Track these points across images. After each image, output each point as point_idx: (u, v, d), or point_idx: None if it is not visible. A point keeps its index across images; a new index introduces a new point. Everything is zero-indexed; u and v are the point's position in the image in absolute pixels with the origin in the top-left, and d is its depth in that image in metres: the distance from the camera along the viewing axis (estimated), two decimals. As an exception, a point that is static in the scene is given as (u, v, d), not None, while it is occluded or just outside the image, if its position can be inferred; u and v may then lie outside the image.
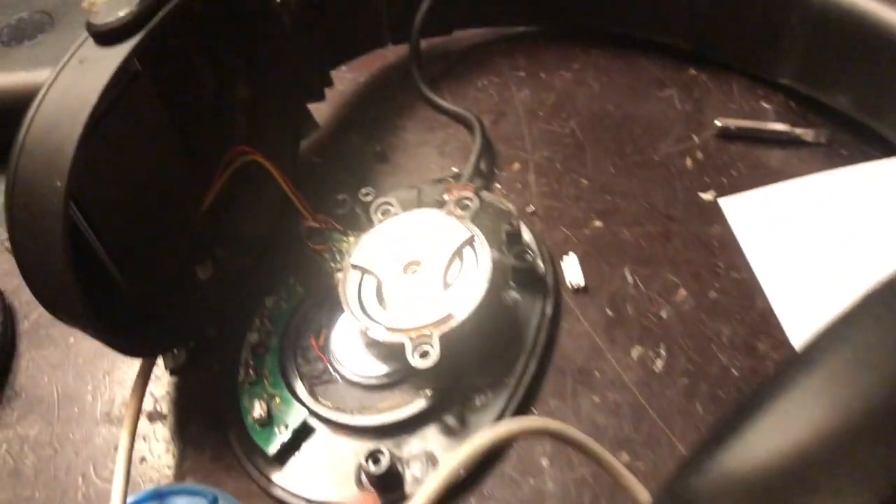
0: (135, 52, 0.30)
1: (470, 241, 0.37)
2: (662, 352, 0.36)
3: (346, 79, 0.50)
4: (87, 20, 0.30)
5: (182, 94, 0.39)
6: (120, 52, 0.30)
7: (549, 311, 0.38)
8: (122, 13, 0.30)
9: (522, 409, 0.35)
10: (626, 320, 0.37)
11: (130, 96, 0.34)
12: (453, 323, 0.34)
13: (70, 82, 0.30)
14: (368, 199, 0.40)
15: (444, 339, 0.33)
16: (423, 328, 0.34)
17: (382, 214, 0.39)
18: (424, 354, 0.33)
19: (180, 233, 0.39)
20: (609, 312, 0.38)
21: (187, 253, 0.39)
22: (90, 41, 0.30)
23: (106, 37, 0.30)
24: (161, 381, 0.39)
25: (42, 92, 0.30)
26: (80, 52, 0.30)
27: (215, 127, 0.41)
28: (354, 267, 0.37)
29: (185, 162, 0.38)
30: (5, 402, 0.39)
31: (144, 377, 0.35)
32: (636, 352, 0.36)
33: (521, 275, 0.38)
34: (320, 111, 0.47)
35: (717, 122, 0.43)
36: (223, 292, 0.40)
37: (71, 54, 0.30)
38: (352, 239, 0.39)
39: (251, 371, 0.37)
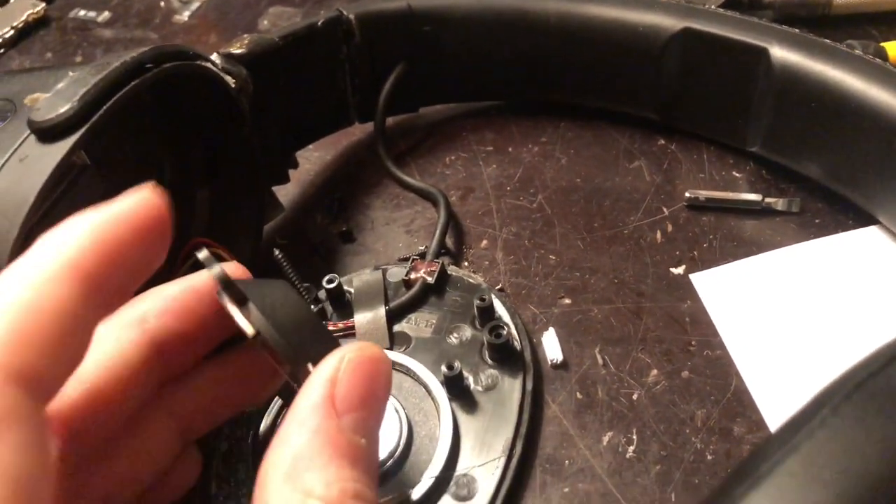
0: (76, 148, 0.29)
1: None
2: (634, 437, 0.35)
3: (313, 157, 0.49)
4: (29, 117, 0.30)
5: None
6: (60, 148, 0.29)
7: (529, 386, 0.36)
8: (62, 109, 0.30)
9: (513, 493, 0.33)
10: (597, 404, 0.36)
11: (77, 190, 0.33)
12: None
13: (10, 181, 0.29)
14: (332, 286, 0.39)
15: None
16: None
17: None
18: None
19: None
20: (579, 395, 0.36)
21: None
22: (32, 138, 0.30)
23: (46, 133, 0.29)
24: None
25: (-18, 192, 0.29)
26: (21, 149, 0.30)
27: (175, 217, 0.40)
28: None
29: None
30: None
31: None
32: (607, 437, 0.35)
33: (497, 351, 0.37)
34: (286, 191, 0.46)
35: (687, 194, 0.43)
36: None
37: (12, 152, 0.30)
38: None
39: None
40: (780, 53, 0.40)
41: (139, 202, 0.20)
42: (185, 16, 0.62)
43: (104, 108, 0.30)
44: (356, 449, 0.21)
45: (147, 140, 0.39)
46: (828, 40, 0.40)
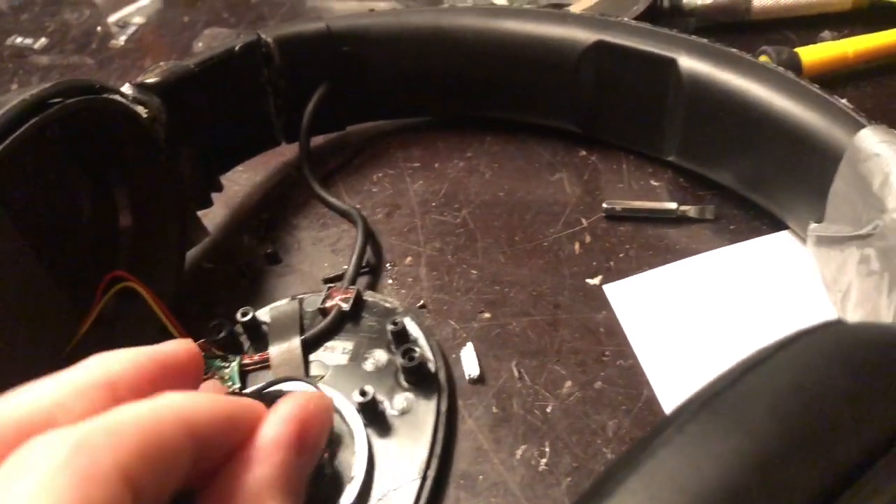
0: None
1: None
2: (547, 449, 0.35)
3: (242, 179, 0.50)
4: (-77, 159, 0.30)
5: (52, 220, 0.38)
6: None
7: (444, 407, 0.37)
8: (-46, 151, 0.30)
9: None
10: (512, 418, 0.37)
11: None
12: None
13: None
14: (246, 319, 0.39)
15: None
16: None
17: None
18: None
19: (51, 367, 0.38)
20: (495, 410, 0.37)
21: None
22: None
23: (-63, 176, 0.30)
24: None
25: None
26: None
27: (95, 249, 0.41)
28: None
29: (57, 291, 0.37)
30: None
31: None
32: (520, 451, 0.35)
33: (411, 374, 0.37)
34: (213, 214, 0.47)
35: (605, 204, 0.43)
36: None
37: None
38: (234, 365, 0.38)
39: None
40: (688, 63, 0.41)
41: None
42: (121, 40, 0.62)
43: (2, 146, 0.31)
44: (301, 487, 0.23)
45: (62, 175, 0.39)
46: (734, 49, 0.41)
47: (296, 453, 0.23)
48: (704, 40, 0.42)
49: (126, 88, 0.39)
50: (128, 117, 0.38)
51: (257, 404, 0.24)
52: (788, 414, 0.20)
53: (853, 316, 0.33)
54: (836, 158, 0.35)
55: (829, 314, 0.36)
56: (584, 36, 0.43)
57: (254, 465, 0.22)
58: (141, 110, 0.39)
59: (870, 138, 0.33)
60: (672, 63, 0.41)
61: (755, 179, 0.41)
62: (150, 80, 0.40)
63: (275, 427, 0.23)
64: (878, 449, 0.19)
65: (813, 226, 0.37)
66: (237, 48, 0.44)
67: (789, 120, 0.37)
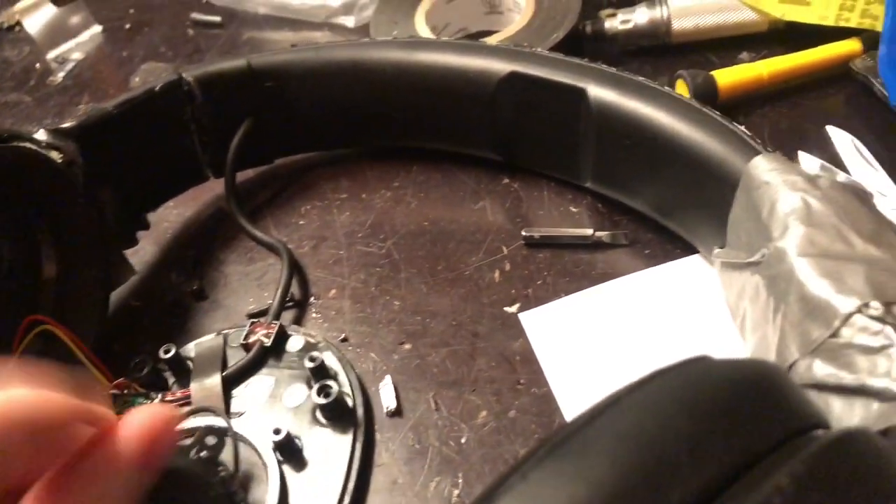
0: None
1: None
2: (460, 481, 0.36)
3: (173, 215, 0.50)
4: None
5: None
6: None
7: (360, 442, 0.37)
8: None
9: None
10: (428, 450, 0.37)
11: None
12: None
13: None
14: (169, 356, 0.39)
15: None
16: None
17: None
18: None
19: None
20: (411, 443, 0.37)
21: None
22: None
23: None
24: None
25: None
26: None
27: (17, 294, 0.41)
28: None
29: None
30: None
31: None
32: (434, 483, 0.36)
33: (328, 410, 0.37)
34: (143, 252, 0.47)
35: (524, 232, 0.44)
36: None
37: None
38: (156, 402, 0.38)
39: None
40: (596, 93, 0.41)
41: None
42: (59, 77, 0.63)
43: None
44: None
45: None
46: (641, 78, 0.42)
47: (137, 468, 0.22)
48: (613, 69, 0.42)
49: (40, 134, 0.40)
50: (43, 163, 0.39)
51: (107, 412, 0.23)
52: (627, 458, 0.21)
53: (750, 341, 0.34)
54: (734, 185, 0.36)
55: (734, 338, 0.37)
56: (499, 67, 0.44)
57: (92, 475, 0.22)
58: (55, 155, 0.39)
59: (761, 166, 0.34)
60: (582, 92, 0.42)
61: (665, 205, 0.42)
62: (66, 125, 0.41)
63: (127, 442, 0.22)
64: (715, 489, 0.20)
65: (716, 251, 0.38)
66: (157, 88, 0.45)
67: (690, 147, 0.38)
